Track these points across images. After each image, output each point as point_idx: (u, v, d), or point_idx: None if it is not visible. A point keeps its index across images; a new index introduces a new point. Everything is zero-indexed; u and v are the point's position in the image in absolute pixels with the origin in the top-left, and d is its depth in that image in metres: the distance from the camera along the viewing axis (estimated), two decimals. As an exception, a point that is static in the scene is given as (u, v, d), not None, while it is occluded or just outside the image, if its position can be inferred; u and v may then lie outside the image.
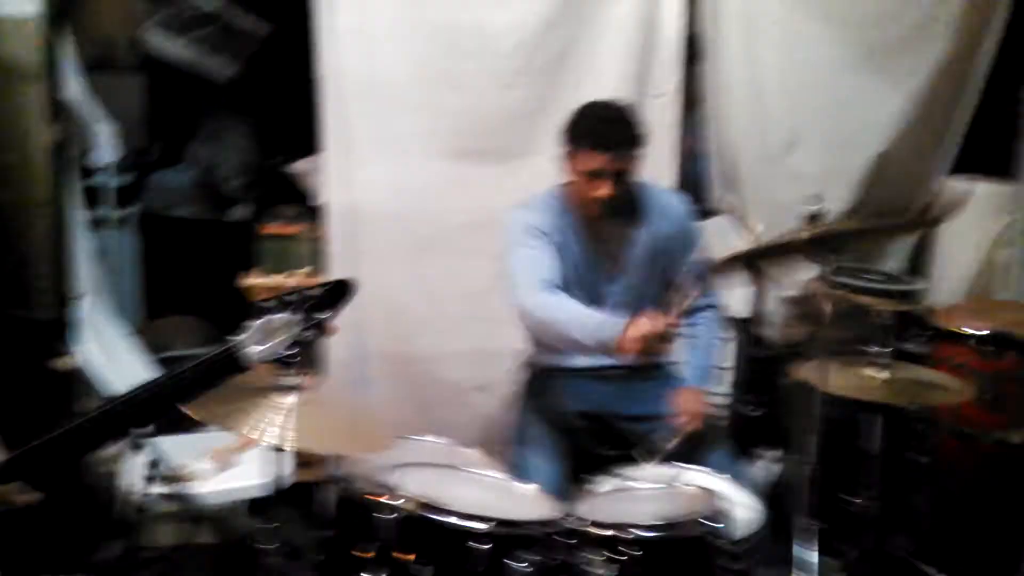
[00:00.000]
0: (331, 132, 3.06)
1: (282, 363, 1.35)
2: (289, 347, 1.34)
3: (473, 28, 3.06)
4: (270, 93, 4.19)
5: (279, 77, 4.15)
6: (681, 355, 2.62)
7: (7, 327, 2.90)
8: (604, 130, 2.42)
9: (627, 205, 2.55)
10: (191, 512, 2.71)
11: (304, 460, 3.21)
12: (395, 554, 1.93)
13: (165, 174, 4.13)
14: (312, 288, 1.37)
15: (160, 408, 1.23)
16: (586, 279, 2.55)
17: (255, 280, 3.34)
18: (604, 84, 3.09)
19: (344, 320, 3.02)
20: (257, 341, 1.32)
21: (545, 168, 2.94)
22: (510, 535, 1.91)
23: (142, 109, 4.34)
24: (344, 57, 3.01)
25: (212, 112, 4.32)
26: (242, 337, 1.29)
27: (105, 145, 3.72)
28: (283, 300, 1.36)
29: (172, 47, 4.13)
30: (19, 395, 2.97)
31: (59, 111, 3.04)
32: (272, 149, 4.19)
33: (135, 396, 1.21)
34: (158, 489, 2.67)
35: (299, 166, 3.52)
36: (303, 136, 3.26)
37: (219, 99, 4.25)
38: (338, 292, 1.41)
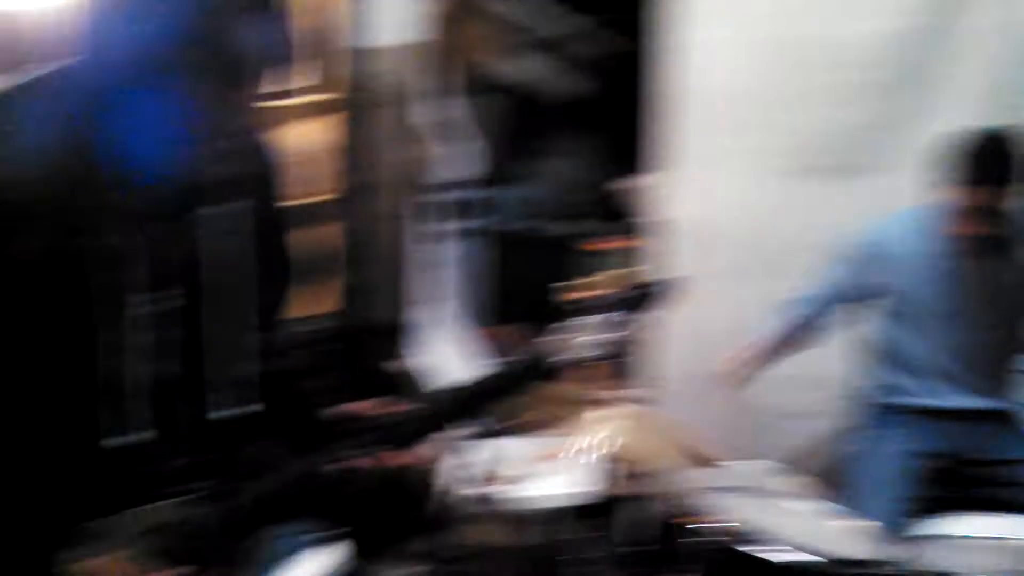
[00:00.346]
0: (675, 148, 3.07)
1: (593, 364, 1.31)
2: (602, 348, 1.31)
3: (823, 42, 2.96)
4: (617, 110, 4.26)
5: (627, 93, 4.23)
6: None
7: (355, 330, 3.20)
8: (985, 164, 2.27)
9: (1000, 237, 2.36)
10: (507, 515, 2.79)
11: (622, 474, 3.22)
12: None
13: (513, 190, 4.35)
14: (622, 292, 1.32)
15: (475, 406, 1.24)
16: (952, 311, 2.38)
17: (586, 293, 3.42)
18: (962, 100, 2.85)
19: (682, 339, 3.08)
20: (563, 345, 1.29)
21: (897, 184, 2.77)
22: (841, 574, 1.78)
23: (493, 128, 4.60)
24: (692, 72, 3.02)
25: (558, 129, 4.49)
26: (555, 338, 1.27)
27: (459, 162, 4.00)
28: (593, 304, 1.32)
29: (523, 68, 4.36)
30: (361, 395, 3.25)
31: (418, 133, 3.31)
32: (616, 166, 4.26)
33: (450, 394, 1.23)
34: (477, 489, 2.80)
35: (637, 182, 3.55)
36: (643, 153, 3.29)
37: (565, 117, 4.41)
38: (649, 298, 1.35)
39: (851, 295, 2.51)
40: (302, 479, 1.20)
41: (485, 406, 1.26)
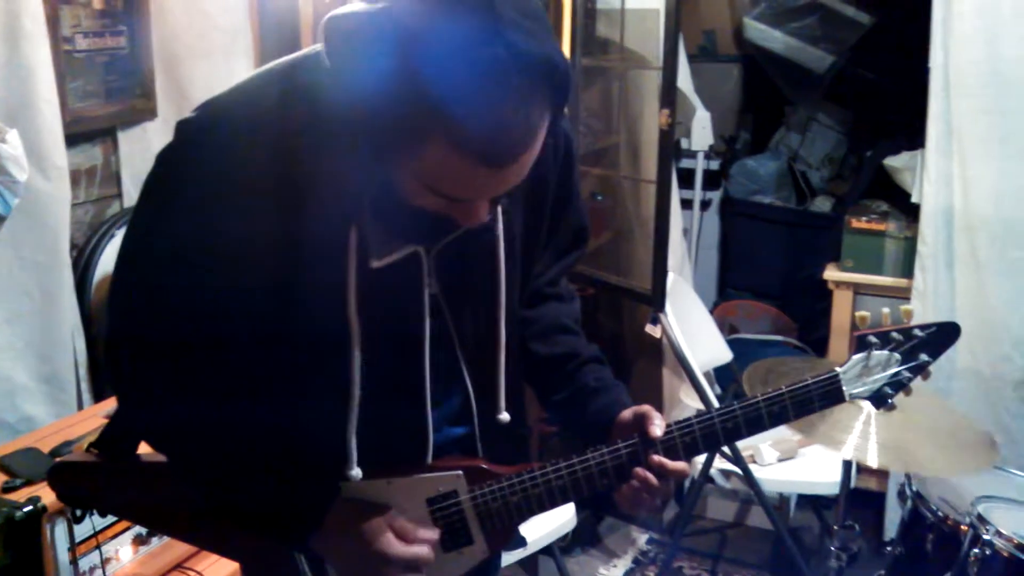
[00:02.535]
0: (937, 127, 2.85)
1: (875, 401, 1.27)
2: (885, 386, 1.26)
3: None
4: (869, 85, 4.04)
5: (880, 69, 4.00)
6: None
7: (611, 294, 3.21)
8: None
9: None
10: (752, 494, 2.77)
11: (873, 468, 3.11)
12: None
13: (751, 161, 4.22)
14: (919, 328, 1.26)
15: (753, 429, 1.22)
16: None
17: (835, 274, 3.29)
18: None
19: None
20: (856, 376, 1.25)
21: None
22: None
23: (736, 97, 4.48)
24: (961, 45, 2.76)
25: (803, 102, 4.31)
26: (845, 370, 1.24)
27: (701, 131, 3.92)
28: (889, 337, 1.26)
29: (771, 37, 4.19)
30: (617, 356, 3.28)
31: (672, 98, 3.26)
32: (866, 142, 4.05)
33: (733, 414, 1.21)
34: (725, 465, 2.79)
35: (895, 161, 3.35)
36: (902, 130, 3.10)
37: (813, 89, 4.22)
38: (945, 336, 1.29)
39: None
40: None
41: (761, 426, 1.23)
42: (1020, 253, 2.79)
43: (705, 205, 4.13)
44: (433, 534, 1.17)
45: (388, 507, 1.16)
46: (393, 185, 0.98)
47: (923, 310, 2.93)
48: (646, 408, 1.22)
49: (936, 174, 2.88)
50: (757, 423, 1.22)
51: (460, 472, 1.21)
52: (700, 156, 4.03)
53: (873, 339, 1.26)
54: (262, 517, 1.16)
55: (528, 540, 2.26)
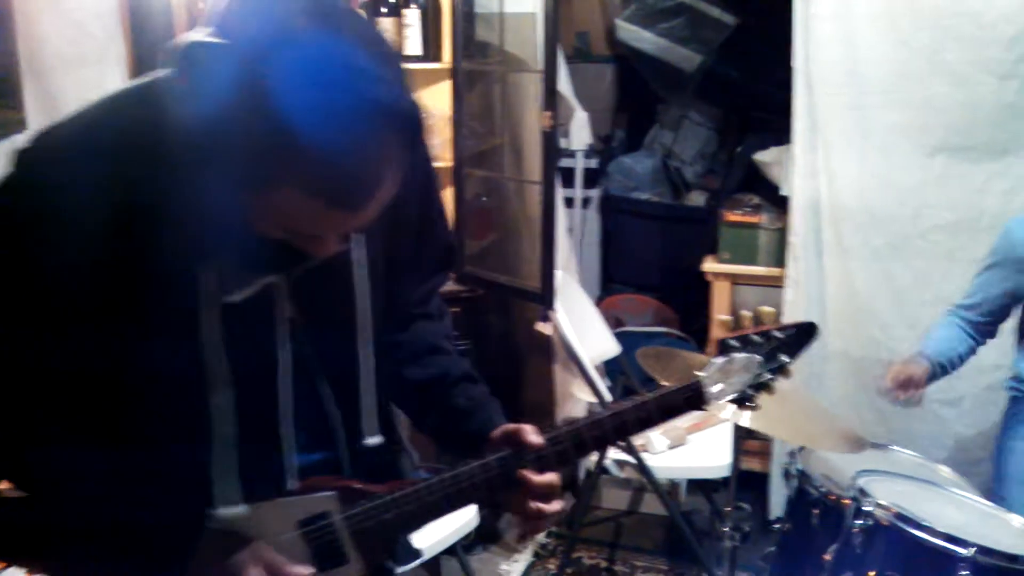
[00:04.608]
0: (802, 122, 3.00)
1: (738, 402, 1.34)
2: (748, 388, 1.32)
3: (965, 14, 2.80)
4: (736, 83, 4.21)
5: (747, 66, 4.17)
6: None
7: (501, 294, 3.25)
8: None
9: None
10: (645, 482, 2.85)
11: (758, 450, 3.26)
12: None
13: (628, 158, 4.34)
14: (778, 330, 1.33)
15: (618, 436, 1.28)
16: None
17: (713, 266, 3.42)
18: None
19: (803, 316, 3.07)
20: (719, 379, 1.30)
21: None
22: (999, 568, 1.75)
23: (611, 97, 4.59)
24: (821, 46, 2.92)
25: (675, 100, 4.45)
26: (706, 374, 1.29)
27: (579, 130, 4.02)
28: (749, 340, 1.32)
29: (641, 38, 4.31)
30: (508, 354, 3.32)
31: (553, 100, 3.33)
32: (736, 138, 4.22)
33: (602, 424, 1.24)
34: (617, 455, 2.87)
35: (764, 155, 3.52)
36: (770, 125, 3.25)
37: (683, 88, 4.36)
38: (804, 336, 1.37)
39: (1009, 300, 2.40)
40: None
41: (626, 432, 1.28)
42: (882, 240, 2.97)
43: (586, 203, 4.23)
44: (306, 568, 1.14)
45: (256, 538, 1.13)
46: (246, 218, 0.97)
47: (796, 298, 3.09)
48: (516, 426, 1.23)
49: (803, 168, 3.04)
50: (624, 430, 1.26)
51: (332, 493, 1.19)
52: (579, 155, 4.13)
53: (734, 343, 1.31)
54: (126, 559, 1.12)
55: (430, 542, 2.28)
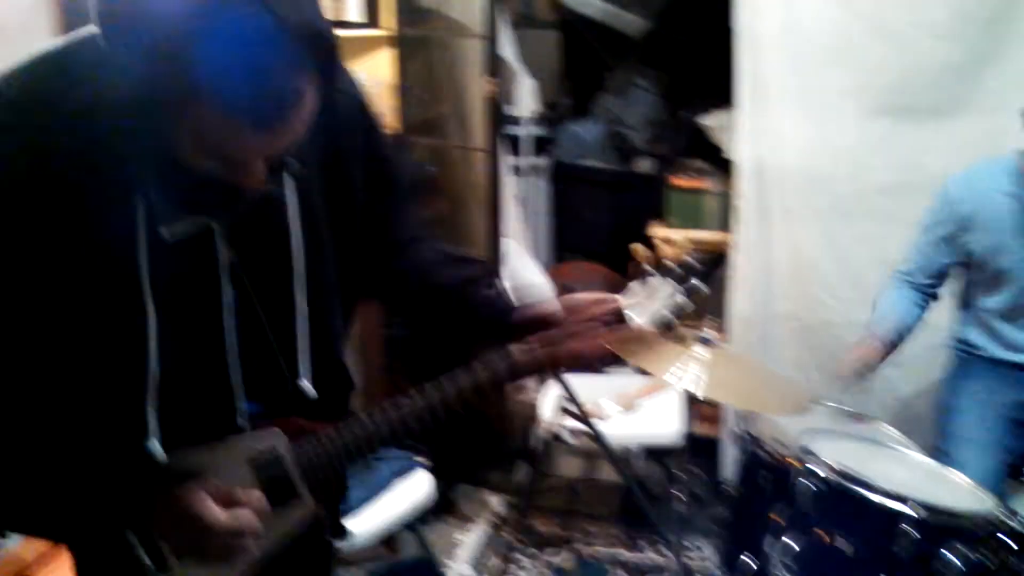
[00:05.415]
0: (745, 86, 3.00)
1: (657, 324, 1.42)
2: (664, 310, 1.41)
3: None
4: (681, 47, 4.20)
5: (690, 31, 4.15)
6: None
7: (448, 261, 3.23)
8: None
9: None
10: (598, 449, 2.87)
11: (709, 415, 3.29)
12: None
13: (576, 126, 4.32)
14: (690, 257, 1.43)
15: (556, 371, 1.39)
16: None
17: (661, 232, 3.43)
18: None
19: (750, 279, 3.09)
20: (637, 302, 1.40)
21: (986, 128, 2.70)
22: (944, 525, 1.77)
23: (556, 64, 4.55)
24: (762, 9, 2.92)
25: (621, 66, 4.42)
26: (625, 297, 1.39)
27: (524, 97, 3.98)
28: (663, 266, 1.42)
29: (586, 3, 4.27)
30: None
31: (496, 66, 3.29)
32: (683, 103, 4.21)
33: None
34: (570, 423, 2.87)
35: (710, 120, 3.51)
36: (715, 90, 3.24)
37: (628, 53, 4.34)
38: (714, 262, 1.47)
39: (949, 259, 2.45)
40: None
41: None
42: (825, 202, 2.99)
43: (535, 171, 4.20)
44: (258, 497, 1.18)
45: (207, 474, 1.16)
46: (176, 155, 1.00)
47: (744, 262, 3.11)
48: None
49: (746, 131, 3.04)
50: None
51: (279, 431, 1.23)
52: (527, 123, 4.09)
53: (648, 268, 1.42)
54: (80, 506, 1.16)
55: (387, 518, 2.28)
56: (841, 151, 2.96)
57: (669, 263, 1.41)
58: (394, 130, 3.26)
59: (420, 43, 3.30)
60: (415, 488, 2.53)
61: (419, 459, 2.57)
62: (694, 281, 1.40)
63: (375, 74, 3.08)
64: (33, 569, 1.85)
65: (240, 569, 1.19)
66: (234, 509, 1.14)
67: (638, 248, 1.47)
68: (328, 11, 2.58)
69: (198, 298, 1.16)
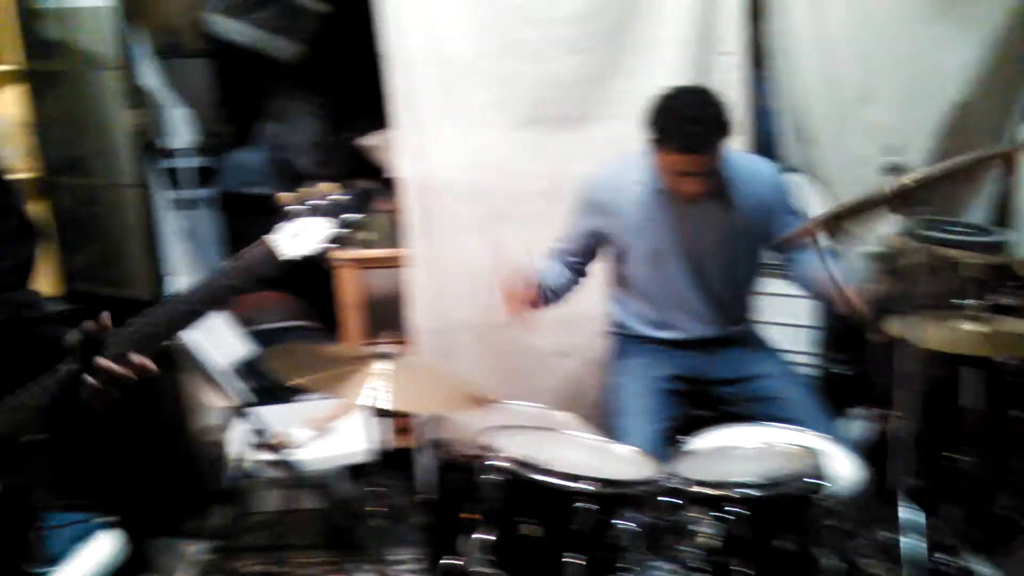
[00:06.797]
0: (400, 105, 3.09)
1: (317, 257, 1.55)
2: (321, 244, 1.54)
3: None
4: (336, 70, 4.22)
5: (344, 54, 4.19)
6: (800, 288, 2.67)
7: (105, 308, 3.01)
8: (693, 132, 2.32)
9: (717, 187, 2.51)
10: (294, 478, 2.81)
11: (400, 427, 3.32)
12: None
13: (239, 154, 4.21)
14: (337, 194, 1.56)
15: (208, 307, 1.47)
16: (678, 250, 2.58)
17: (336, 253, 3.42)
18: (668, 46, 3.10)
19: (428, 290, 3.18)
20: (290, 238, 1.52)
21: (619, 132, 2.97)
22: (616, 495, 1.93)
23: (211, 92, 4.41)
24: (406, 31, 3.04)
25: (279, 92, 4.37)
26: (275, 236, 1.51)
27: (180, 128, 3.82)
28: (313, 206, 1.54)
29: (234, 30, 4.18)
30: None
31: (138, 97, 3.13)
32: (345, 125, 4.23)
33: (187, 296, 1.46)
34: (263, 457, 2.79)
35: (370, 140, 3.57)
36: (373, 111, 3.30)
37: (285, 79, 4.30)
38: (365, 197, 1.60)
39: (592, 241, 2.69)
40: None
41: (215, 301, 1.47)
42: (487, 212, 3.16)
43: (200, 203, 4.04)
44: None
45: None
46: None
47: (419, 275, 3.20)
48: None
49: (405, 149, 3.13)
50: (212, 302, 1.48)
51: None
52: (185, 154, 3.93)
53: (294, 207, 1.54)
54: None
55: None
56: (495, 162, 3.14)
57: (316, 201, 1.52)
58: (35, 172, 3.00)
59: (52, 78, 3.06)
60: (98, 551, 2.34)
61: (100, 519, 2.38)
62: (348, 215, 1.53)
63: (1, 113, 2.82)
64: None
65: None
66: None
67: (281, 195, 1.53)
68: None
69: None
